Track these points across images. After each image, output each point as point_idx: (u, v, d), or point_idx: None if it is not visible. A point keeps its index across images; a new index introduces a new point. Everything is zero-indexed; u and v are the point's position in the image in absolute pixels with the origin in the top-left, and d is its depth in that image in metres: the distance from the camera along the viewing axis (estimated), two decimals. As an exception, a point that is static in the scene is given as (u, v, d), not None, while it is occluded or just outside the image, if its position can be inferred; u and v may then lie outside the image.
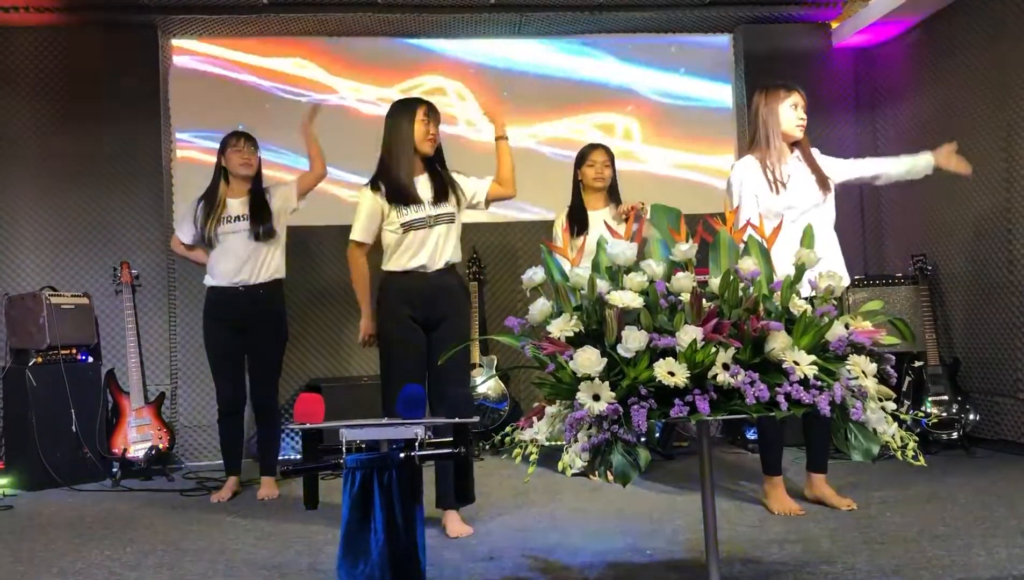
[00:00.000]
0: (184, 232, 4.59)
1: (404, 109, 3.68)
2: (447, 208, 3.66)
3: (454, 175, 3.77)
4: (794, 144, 3.75)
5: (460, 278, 3.77)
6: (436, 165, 3.73)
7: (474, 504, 3.85)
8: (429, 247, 3.60)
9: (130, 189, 5.60)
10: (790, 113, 3.69)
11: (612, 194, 4.74)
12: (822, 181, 3.70)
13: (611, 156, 4.74)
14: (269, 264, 4.50)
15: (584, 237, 4.50)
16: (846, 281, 3.48)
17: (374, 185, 3.65)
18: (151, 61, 5.66)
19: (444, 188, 3.67)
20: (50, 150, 5.54)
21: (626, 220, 4.16)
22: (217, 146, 4.60)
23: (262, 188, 4.58)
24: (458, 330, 3.66)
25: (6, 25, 5.48)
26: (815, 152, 3.80)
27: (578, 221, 4.62)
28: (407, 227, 3.59)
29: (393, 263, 3.63)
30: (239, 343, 4.47)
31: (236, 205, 4.49)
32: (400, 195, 3.59)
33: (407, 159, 3.62)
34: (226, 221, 4.45)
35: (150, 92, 5.65)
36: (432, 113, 3.69)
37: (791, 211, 3.60)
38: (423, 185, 3.66)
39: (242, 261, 4.43)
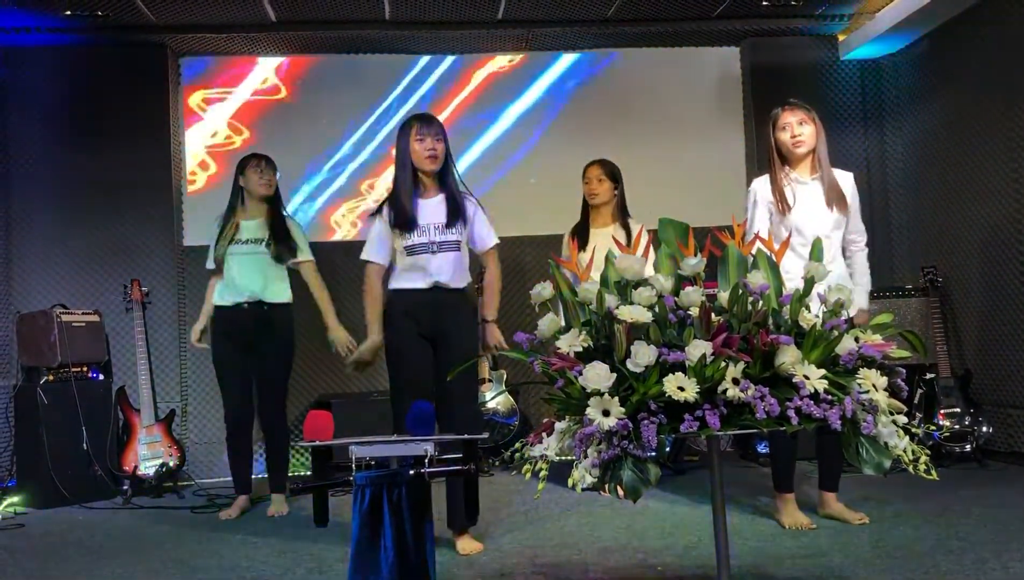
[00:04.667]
0: (210, 260, 4.57)
1: (402, 130, 3.65)
2: (454, 235, 3.61)
3: (468, 205, 3.69)
4: (815, 164, 3.73)
5: (466, 295, 3.74)
6: (449, 185, 3.65)
7: (484, 520, 3.85)
8: (432, 272, 3.57)
9: (140, 206, 5.63)
10: (782, 136, 3.68)
11: (620, 210, 4.71)
12: (835, 200, 3.66)
13: (609, 172, 4.67)
14: (276, 285, 4.51)
15: (587, 253, 4.48)
16: (855, 310, 3.48)
17: (379, 211, 3.65)
18: (161, 80, 5.71)
19: (457, 214, 3.62)
20: (61, 168, 5.58)
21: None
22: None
23: (282, 211, 4.60)
24: (464, 346, 3.63)
25: (18, 46, 5.53)
26: (844, 177, 3.75)
27: (580, 237, 4.61)
28: (410, 251, 3.57)
29: (397, 283, 3.63)
30: (245, 360, 4.47)
31: (252, 227, 4.49)
32: (401, 220, 3.56)
33: (407, 182, 3.58)
34: (239, 243, 4.46)
35: (161, 110, 5.69)
36: (427, 127, 3.59)
37: (801, 235, 3.56)
38: (435, 208, 3.60)
39: (251, 279, 4.43)
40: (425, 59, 6.08)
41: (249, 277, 4.43)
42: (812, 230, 3.56)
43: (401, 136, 3.64)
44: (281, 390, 4.54)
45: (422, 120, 3.64)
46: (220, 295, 4.48)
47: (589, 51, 6.16)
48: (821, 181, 3.69)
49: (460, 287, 3.67)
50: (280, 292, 4.52)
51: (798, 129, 3.65)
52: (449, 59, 6.10)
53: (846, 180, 3.75)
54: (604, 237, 4.43)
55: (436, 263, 3.58)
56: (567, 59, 6.18)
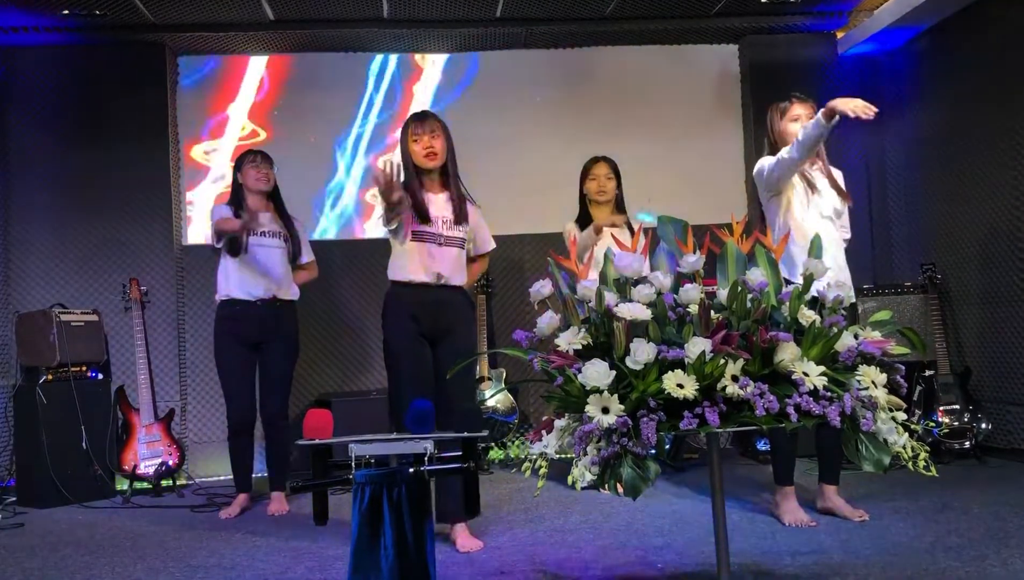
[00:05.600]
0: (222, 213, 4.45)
1: (402, 132, 3.67)
2: (460, 233, 3.66)
3: (471, 209, 3.73)
4: (813, 157, 3.74)
5: (465, 293, 3.76)
6: (454, 184, 3.66)
7: (484, 518, 3.85)
8: (437, 263, 3.58)
9: (139, 206, 5.62)
10: (792, 128, 3.71)
11: (618, 208, 4.73)
12: (840, 192, 3.72)
13: (615, 169, 4.72)
14: (290, 282, 4.55)
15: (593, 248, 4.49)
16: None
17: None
18: (159, 79, 5.70)
19: (462, 214, 3.65)
20: (59, 168, 5.57)
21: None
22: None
23: (285, 208, 4.63)
24: (463, 344, 3.64)
25: (16, 45, 5.53)
26: (836, 173, 3.81)
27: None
28: (416, 237, 3.57)
29: (398, 273, 3.62)
30: (252, 358, 4.47)
31: (265, 220, 4.51)
32: (417, 211, 3.58)
33: (413, 180, 3.61)
34: (260, 234, 4.45)
35: (159, 109, 5.69)
36: (421, 125, 3.60)
37: (826, 220, 3.64)
38: (442, 204, 3.63)
39: (272, 276, 4.44)
40: (421, 57, 6.08)
41: (272, 272, 4.45)
42: (828, 209, 3.67)
43: (402, 138, 3.68)
44: (285, 388, 4.55)
45: (417, 119, 3.64)
46: (237, 285, 4.42)
47: (588, 48, 6.15)
48: (822, 172, 3.76)
49: (460, 284, 3.68)
50: (292, 289, 4.56)
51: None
52: (445, 56, 6.09)
53: (838, 174, 3.80)
54: (607, 234, 4.46)
55: (441, 256, 3.60)
56: (566, 56, 6.17)
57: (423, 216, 3.57)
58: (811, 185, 3.68)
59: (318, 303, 5.77)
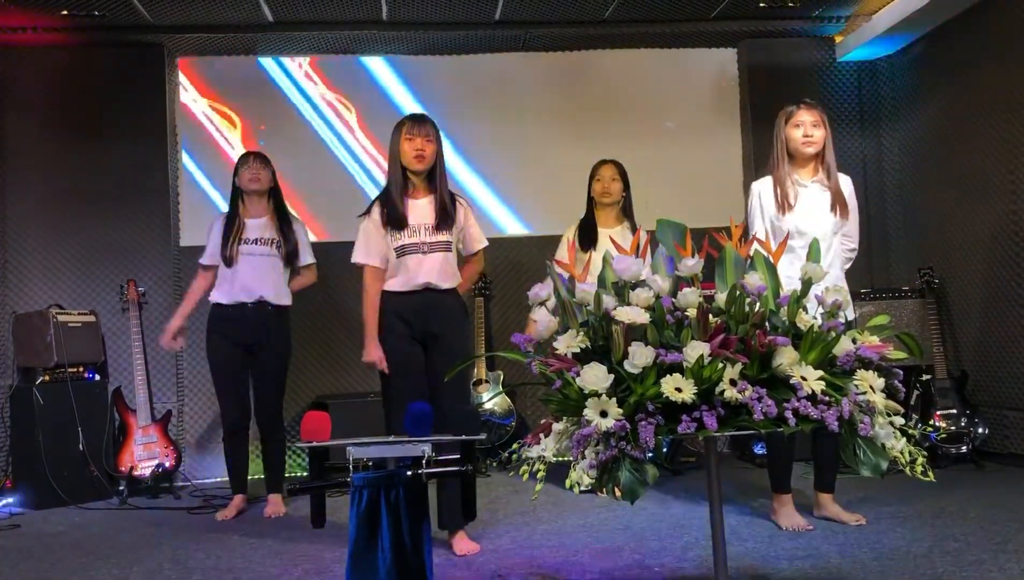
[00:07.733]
0: (206, 256, 4.56)
1: (395, 129, 3.64)
2: (444, 236, 3.61)
3: (459, 208, 3.69)
4: (820, 165, 3.74)
5: (458, 296, 3.72)
6: (439, 187, 3.62)
7: (481, 521, 3.85)
8: (423, 273, 3.56)
9: (137, 207, 5.61)
10: (794, 133, 3.70)
11: (626, 213, 4.73)
12: (839, 206, 3.68)
13: (622, 173, 4.72)
14: (282, 288, 4.53)
15: (591, 253, 4.49)
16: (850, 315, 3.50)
17: (368, 211, 3.66)
18: (158, 80, 5.70)
19: (446, 216, 3.61)
20: (57, 168, 5.57)
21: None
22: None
23: (285, 209, 4.62)
24: (456, 347, 3.62)
25: (14, 45, 5.52)
26: (844, 181, 3.77)
27: (587, 236, 4.61)
28: (400, 252, 3.57)
29: (389, 284, 3.62)
30: (243, 359, 4.47)
31: (258, 226, 4.51)
32: (392, 219, 3.57)
33: (398, 181, 3.60)
34: (248, 242, 4.46)
35: (157, 110, 5.69)
36: (417, 127, 3.58)
37: (802, 237, 3.57)
38: (423, 209, 3.61)
39: (260, 281, 4.43)
40: (422, 59, 6.08)
41: (260, 280, 4.43)
42: (813, 232, 3.56)
43: (394, 134, 3.65)
44: (279, 391, 4.55)
45: (413, 120, 3.63)
46: (221, 293, 4.46)
47: (586, 51, 6.16)
48: (823, 185, 3.71)
49: (450, 287, 3.66)
50: (284, 295, 4.54)
51: (811, 130, 3.67)
52: (446, 58, 6.09)
53: (846, 184, 3.77)
54: (608, 238, 4.46)
55: (427, 264, 3.58)
56: (565, 59, 6.17)
57: (400, 223, 3.56)
58: (787, 203, 3.65)
59: (317, 304, 5.76)
